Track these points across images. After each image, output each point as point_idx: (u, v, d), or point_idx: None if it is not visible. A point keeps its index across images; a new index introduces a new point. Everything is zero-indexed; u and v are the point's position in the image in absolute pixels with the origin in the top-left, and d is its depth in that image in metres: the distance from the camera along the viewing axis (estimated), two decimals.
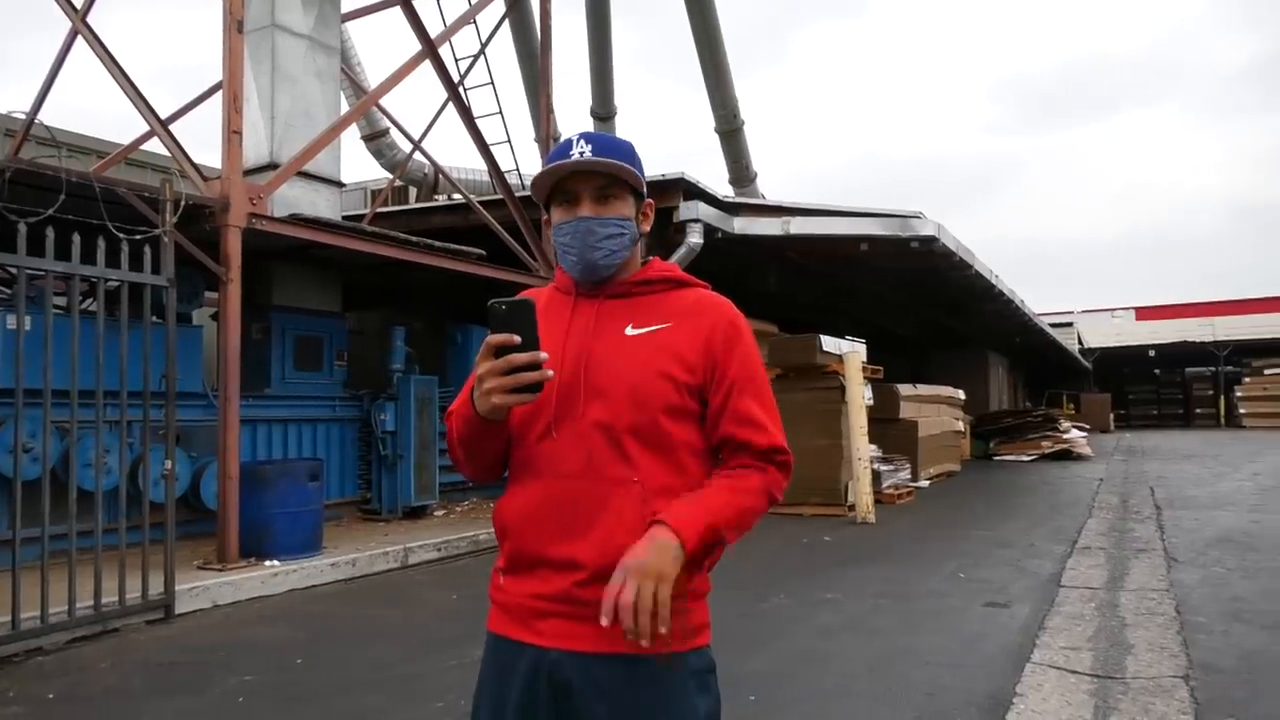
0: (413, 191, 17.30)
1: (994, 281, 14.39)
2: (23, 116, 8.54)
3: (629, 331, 1.54)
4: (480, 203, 10.07)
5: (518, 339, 1.37)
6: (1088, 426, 26.58)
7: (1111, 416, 34.85)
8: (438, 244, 8.69)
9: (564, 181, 1.55)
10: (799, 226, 10.47)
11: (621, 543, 1.43)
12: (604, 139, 1.56)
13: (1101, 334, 40.54)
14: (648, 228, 1.63)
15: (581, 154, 1.51)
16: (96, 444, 5.17)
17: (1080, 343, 37.76)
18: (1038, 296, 32.16)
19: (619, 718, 1.44)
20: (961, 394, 17.74)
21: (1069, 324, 37.18)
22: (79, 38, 7.90)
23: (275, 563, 6.47)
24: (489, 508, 9.99)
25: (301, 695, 4.11)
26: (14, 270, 4.90)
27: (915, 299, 17.01)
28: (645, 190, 1.61)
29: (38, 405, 4.99)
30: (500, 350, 1.38)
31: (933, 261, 11.87)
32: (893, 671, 4.36)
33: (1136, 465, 17.26)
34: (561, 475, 1.49)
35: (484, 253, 9.12)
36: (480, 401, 1.42)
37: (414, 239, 8.56)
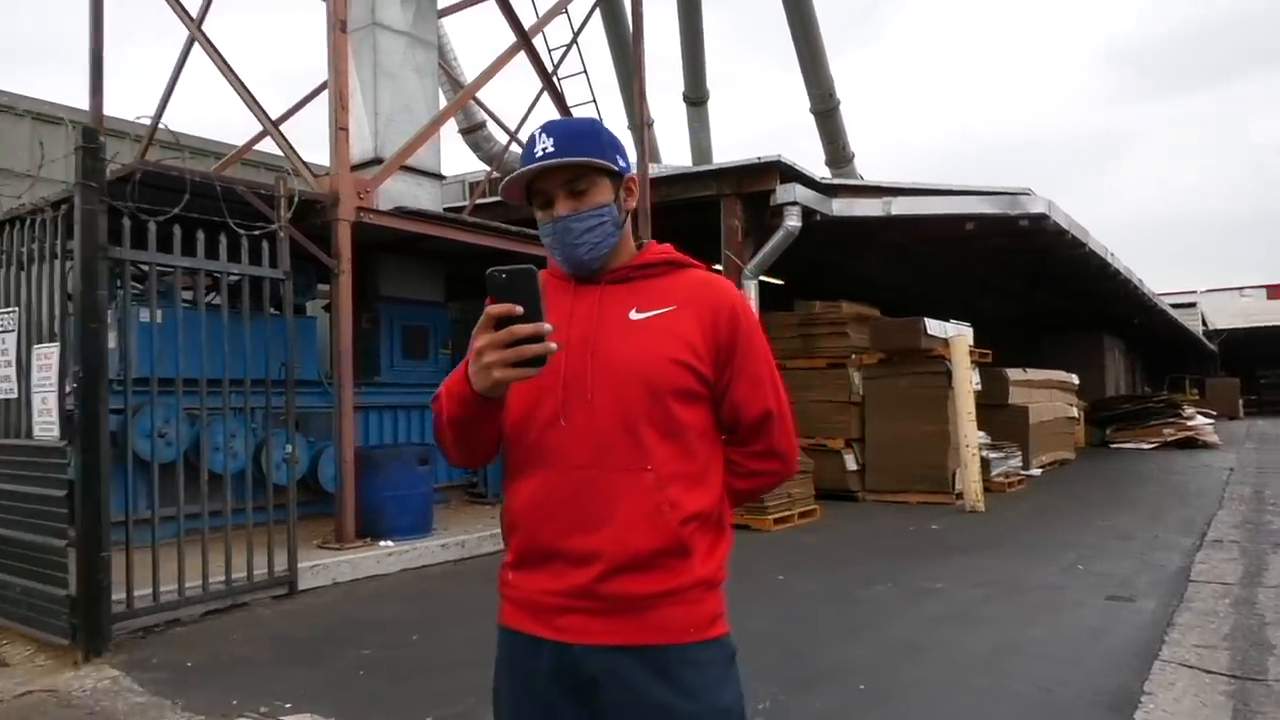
0: None
1: (1109, 260, 13.70)
2: (148, 122, 9.02)
3: (633, 316, 1.50)
4: None
5: (519, 309, 1.28)
6: (1214, 413, 25.12)
7: (1240, 402, 32.79)
8: (536, 232, 8.79)
9: (534, 183, 1.52)
10: (901, 207, 10.19)
11: (638, 533, 1.42)
12: (565, 127, 1.52)
13: (1229, 314, 38.19)
14: (633, 203, 1.58)
15: (545, 150, 1.47)
16: (224, 430, 5.45)
17: (1205, 324, 35.63)
18: (1157, 276, 30.51)
19: (644, 709, 1.43)
20: (1075, 378, 17.00)
21: (1192, 304, 35.10)
22: (195, 44, 8.30)
23: (389, 543, 6.71)
24: None
25: (416, 671, 4.25)
26: (146, 267, 5.19)
27: (1023, 280, 16.36)
28: (623, 165, 1.55)
29: (171, 393, 5.29)
30: (501, 322, 1.30)
31: (1043, 241, 11.38)
32: (1007, 665, 4.22)
33: (1271, 454, 16.22)
34: (572, 466, 1.45)
35: None
36: (479, 377, 1.34)
37: (513, 228, 8.70)
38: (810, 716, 3.60)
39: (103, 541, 4.52)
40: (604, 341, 1.48)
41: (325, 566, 6.09)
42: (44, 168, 5.62)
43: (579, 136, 1.50)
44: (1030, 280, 16.34)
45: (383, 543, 6.72)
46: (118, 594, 4.66)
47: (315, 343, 8.46)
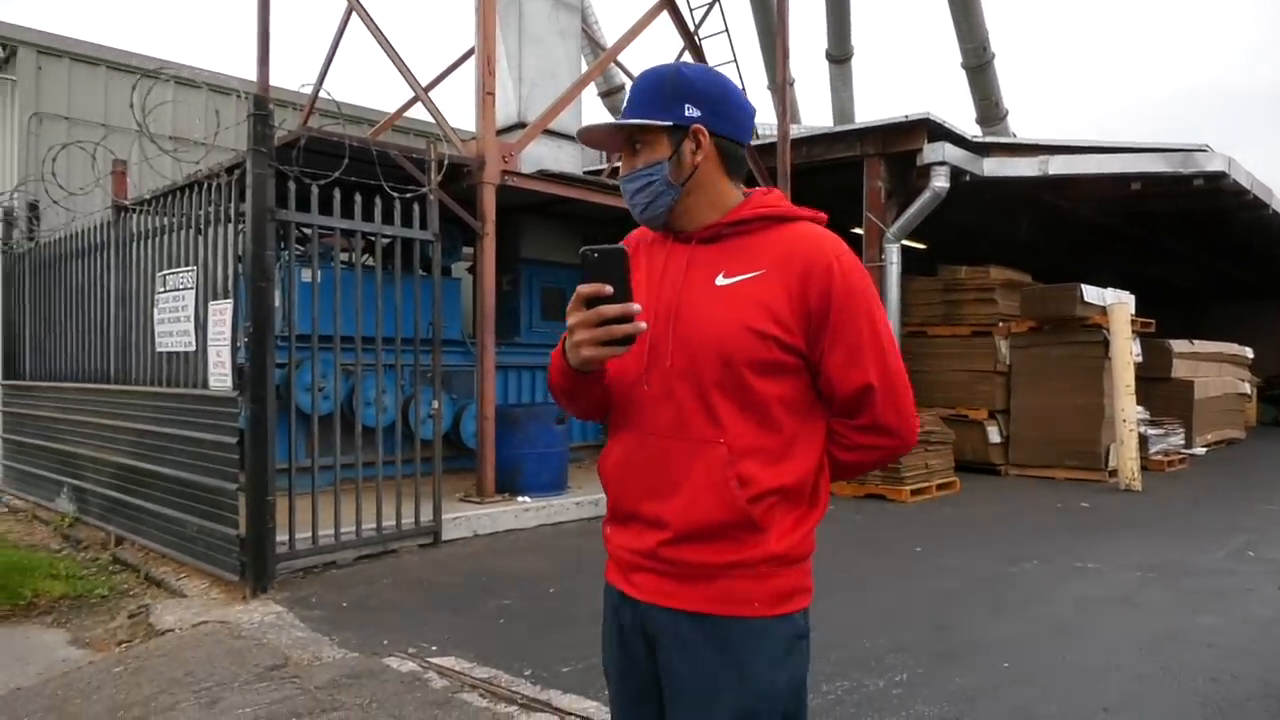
0: None
1: None
2: (310, 90, 9.47)
3: (719, 281, 1.45)
4: None
5: (609, 289, 1.32)
6: None
7: None
8: None
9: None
10: (1059, 166, 9.57)
11: (703, 506, 1.42)
12: (641, 81, 1.51)
13: None
14: (700, 158, 1.47)
15: (624, 108, 1.52)
16: (376, 385, 5.73)
17: None
18: None
19: (696, 674, 1.45)
20: (1249, 352, 15.68)
21: None
22: (353, 15, 8.63)
23: (526, 499, 6.93)
24: None
25: (554, 622, 4.39)
26: (309, 229, 5.48)
27: (1194, 245, 15.13)
28: (690, 115, 1.45)
29: (328, 350, 5.59)
30: (591, 301, 1.34)
31: (1219, 201, 10.46)
32: (1166, 652, 3.97)
33: None
34: (651, 432, 1.47)
35: None
36: (571, 354, 1.40)
37: None
38: (949, 692, 3.50)
39: (268, 486, 4.86)
40: (686, 308, 1.46)
41: (467, 519, 6.35)
42: (218, 136, 5.98)
43: (645, 90, 1.50)
44: (1202, 245, 15.10)
45: (520, 498, 6.95)
46: (280, 536, 5.01)
47: (458, 303, 8.77)
